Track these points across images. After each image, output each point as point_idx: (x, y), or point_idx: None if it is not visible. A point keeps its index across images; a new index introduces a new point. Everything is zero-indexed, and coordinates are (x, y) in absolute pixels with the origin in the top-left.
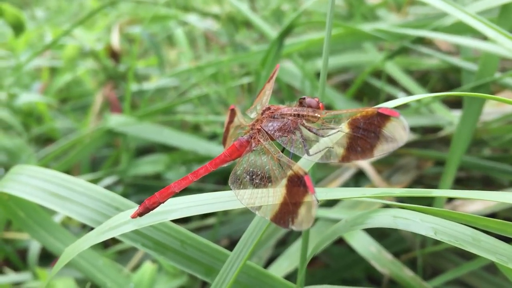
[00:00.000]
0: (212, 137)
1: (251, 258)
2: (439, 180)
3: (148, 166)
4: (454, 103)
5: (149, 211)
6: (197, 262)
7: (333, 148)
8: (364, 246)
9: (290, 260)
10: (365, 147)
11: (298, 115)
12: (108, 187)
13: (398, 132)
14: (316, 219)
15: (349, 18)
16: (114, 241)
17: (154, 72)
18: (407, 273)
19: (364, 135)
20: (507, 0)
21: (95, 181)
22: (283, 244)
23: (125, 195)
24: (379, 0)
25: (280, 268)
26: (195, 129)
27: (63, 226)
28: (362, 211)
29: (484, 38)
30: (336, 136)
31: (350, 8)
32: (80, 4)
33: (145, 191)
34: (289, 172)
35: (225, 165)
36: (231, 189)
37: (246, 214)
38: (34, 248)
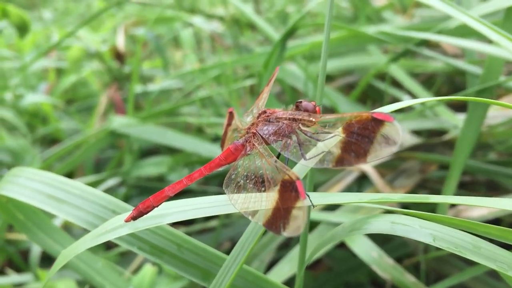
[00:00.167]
0: (215, 139)
1: (253, 261)
2: (443, 184)
3: (151, 167)
4: (459, 106)
5: (143, 215)
6: (194, 266)
7: (330, 152)
8: (366, 250)
9: (291, 264)
10: (359, 152)
11: (294, 119)
12: (111, 189)
13: (392, 137)
14: (318, 223)
15: (354, 20)
16: (115, 243)
17: (159, 73)
18: (408, 278)
19: (358, 140)
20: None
21: (98, 182)
22: (286, 247)
23: (128, 196)
24: (385, 2)
25: (281, 272)
26: (199, 131)
27: (65, 229)
28: (363, 215)
29: (489, 41)
30: (332, 141)
31: (355, 10)
32: (87, 5)
33: (148, 193)
34: (282, 177)
35: (220, 169)
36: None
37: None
38: (36, 249)
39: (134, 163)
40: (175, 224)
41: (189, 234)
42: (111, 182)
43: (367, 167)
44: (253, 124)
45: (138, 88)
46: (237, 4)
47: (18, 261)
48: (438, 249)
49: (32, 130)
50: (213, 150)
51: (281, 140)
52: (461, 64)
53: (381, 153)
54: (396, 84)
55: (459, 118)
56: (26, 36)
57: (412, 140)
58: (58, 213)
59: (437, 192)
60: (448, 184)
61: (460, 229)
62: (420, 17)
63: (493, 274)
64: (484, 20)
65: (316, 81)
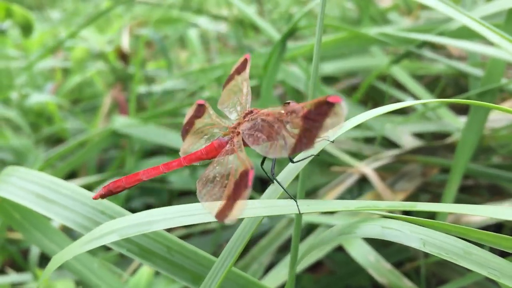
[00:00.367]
0: None
1: (252, 264)
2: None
3: None
4: (462, 109)
5: (112, 194)
6: (183, 269)
7: (318, 155)
8: (363, 254)
9: (288, 267)
10: (309, 137)
11: (280, 120)
12: None
13: (339, 118)
14: (316, 226)
15: (359, 21)
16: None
17: (164, 74)
18: (406, 283)
19: (311, 125)
20: None
21: (100, 182)
22: (285, 249)
23: (129, 196)
24: (390, 4)
25: (278, 276)
26: None
27: (64, 229)
28: (359, 219)
29: (491, 43)
30: (321, 144)
31: (361, 11)
32: (95, 5)
33: (149, 194)
34: (242, 168)
35: (198, 163)
36: None
37: None
38: (35, 249)
39: (136, 163)
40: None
41: (189, 235)
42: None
43: (368, 170)
44: (239, 123)
45: (142, 88)
46: (239, 5)
47: (19, 260)
48: None
49: (37, 129)
50: None
51: (267, 142)
52: (462, 66)
53: (326, 135)
54: (401, 86)
55: (462, 121)
56: (30, 36)
57: (414, 142)
58: (47, 213)
59: (439, 196)
60: (448, 188)
61: (451, 235)
62: (425, 19)
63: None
64: (485, 21)
65: (316, 82)
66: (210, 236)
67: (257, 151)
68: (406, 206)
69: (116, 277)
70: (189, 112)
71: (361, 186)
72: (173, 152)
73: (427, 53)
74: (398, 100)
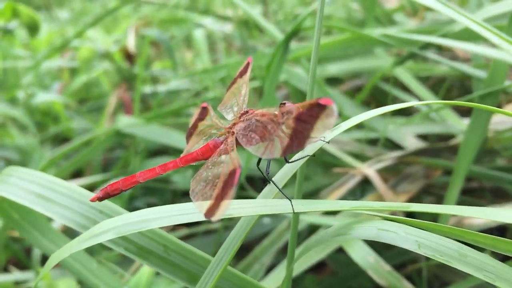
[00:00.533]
0: None
1: (254, 264)
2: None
3: None
4: (467, 111)
5: (109, 197)
6: (180, 268)
7: (314, 156)
8: (362, 256)
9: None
10: (301, 139)
11: (276, 121)
12: None
13: (329, 121)
14: (318, 227)
15: (365, 22)
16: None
17: (170, 74)
18: (406, 285)
19: (303, 127)
20: None
21: (104, 182)
22: (286, 251)
23: (133, 196)
24: (396, 5)
25: (278, 277)
26: None
27: (64, 229)
28: (363, 220)
29: (495, 45)
30: (316, 145)
31: (366, 12)
32: (103, 5)
33: (152, 194)
34: (231, 167)
35: (195, 163)
36: None
37: None
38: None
39: (141, 163)
40: (177, 225)
41: (192, 235)
42: None
43: (370, 171)
44: (234, 124)
45: (147, 88)
46: (243, 6)
47: (23, 258)
48: None
49: (43, 128)
50: None
51: (262, 142)
52: (466, 68)
53: (317, 138)
54: (405, 87)
55: (465, 123)
56: (37, 36)
57: (417, 144)
58: (46, 212)
59: (442, 198)
60: (451, 190)
61: (447, 237)
62: (430, 20)
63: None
64: (489, 23)
65: (320, 83)
66: (213, 236)
67: (250, 151)
68: (400, 207)
69: (116, 276)
70: (194, 115)
71: (364, 187)
72: (178, 152)
73: (430, 54)
74: (402, 101)
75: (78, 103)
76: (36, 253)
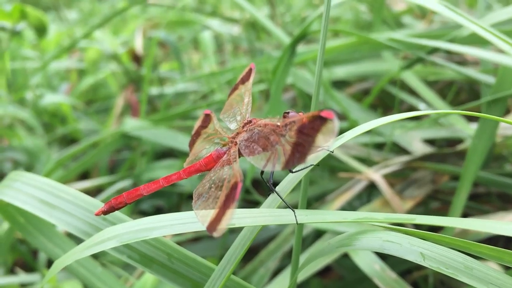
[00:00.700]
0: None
1: (259, 269)
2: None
3: (162, 170)
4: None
5: (114, 210)
6: (183, 276)
7: (318, 165)
8: (368, 263)
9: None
10: (302, 152)
11: (274, 131)
12: (123, 190)
13: (330, 134)
14: (324, 232)
15: (373, 25)
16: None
17: (177, 76)
18: None
19: (304, 139)
20: None
21: (110, 184)
22: (291, 255)
23: (139, 199)
24: (404, 8)
25: (283, 283)
26: None
27: (70, 234)
28: (368, 228)
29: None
30: (319, 155)
31: (374, 15)
32: (112, 6)
33: (158, 196)
34: (233, 180)
35: (198, 174)
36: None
37: None
38: None
39: (147, 165)
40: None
41: (198, 239)
42: (122, 184)
43: (377, 176)
44: (237, 133)
45: (154, 90)
46: (249, 9)
47: (30, 260)
48: None
49: (51, 130)
50: None
51: (264, 153)
52: (473, 73)
53: (318, 151)
54: (413, 91)
55: (473, 128)
56: (44, 37)
57: (424, 149)
58: (50, 219)
59: (449, 203)
60: (458, 196)
61: (452, 248)
62: (439, 23)
63: None
64: (495, 29)
65: (327, 87)
66: (218, 239)
67: (252, 163)
68: (404, 219)
69: (120, 281)
70: (197, 122)
71: (370, 192)
72: (184, 155)
73: (438, 59)
74: (410, 105)
75: (85, 104)
76: (42, 255)
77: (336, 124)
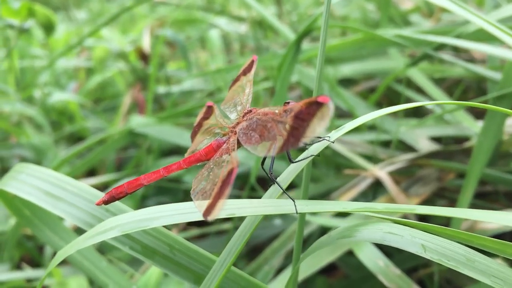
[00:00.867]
0: None
1: (263, 266)
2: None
3: None
4: (482, 113)
5: (115, 200)
6: (185, 268)
7: (319, 156)
8: (372, 259)
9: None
10: (297, 136)
11: (279, 120)
12: None
13: (324, 118)
14: (328, 229)
15: (380, 23)
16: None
17: (185, 74)
18: None
19: (300, 124)
20: None
21: (116, 181)
22: None
23: (145, 196)
24: (412, 6)
25: (286, 279)
26: None
27: (77, 228)
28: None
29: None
30: (321, 145)
31: (381, 13)
32: (121, 5)
33: (164, 193)
34: (230, 166)
35: (199, 164)
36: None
37: (263, 220)
38: None
39: (153, 162)
40: (189, 225)
41: (203, 235)
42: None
43: (382, 173)
44: (237, 123)
45: (161, 88)
46: (256, 7)
47: (36, 256)
48: None
49: (59, 128)
50: None
51: (261, 140)
52: (480, 69)
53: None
54: (420, 89)
55: (480, 125)
56: (52, 35)
57: (430, 146)
58: (54, 210)
59: (455, 201)
60: (464, 194)
61: (454, 241)
62: (446, 21)
63: None
64: (503, 24)
65: (333, 84)
66: (225, 236)
67: (248, 149)
68: (405, 209)
69: (125, 276)
70: (200, 114)
71: (376, 190)
72: None
73: (445, 55)
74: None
75: (93, 102)
76: (48, 251)
77: (330, 107)
